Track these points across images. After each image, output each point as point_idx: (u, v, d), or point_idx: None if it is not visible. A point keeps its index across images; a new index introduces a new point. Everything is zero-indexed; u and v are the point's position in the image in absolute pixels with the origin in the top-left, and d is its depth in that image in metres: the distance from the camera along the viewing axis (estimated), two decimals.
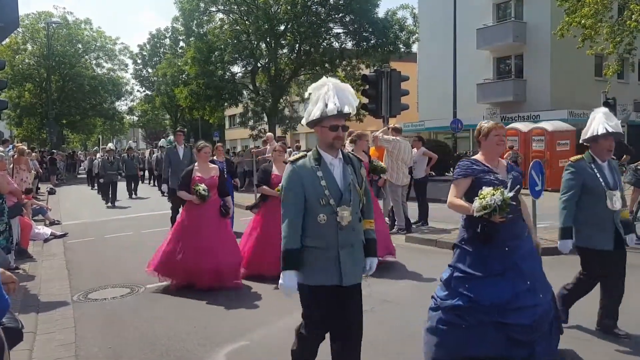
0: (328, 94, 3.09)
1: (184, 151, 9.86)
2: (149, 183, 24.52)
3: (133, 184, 18.51)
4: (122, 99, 48.63)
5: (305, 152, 3.44)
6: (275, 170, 6.88)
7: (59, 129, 40.31)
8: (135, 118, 55.55)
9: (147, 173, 25.40)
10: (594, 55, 19.86)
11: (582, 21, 17.50)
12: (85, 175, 26.06)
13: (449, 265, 3.78)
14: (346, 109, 3.11)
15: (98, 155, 19.66)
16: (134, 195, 18.40)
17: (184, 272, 6.15)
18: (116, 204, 16.12)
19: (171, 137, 19.22)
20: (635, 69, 22.39)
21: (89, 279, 6.95)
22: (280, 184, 3.83)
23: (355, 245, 3.19)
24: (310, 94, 3.21)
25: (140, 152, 27.76)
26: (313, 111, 3.14)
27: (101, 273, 7.26)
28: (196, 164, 6.59)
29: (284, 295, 3.16)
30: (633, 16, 16.92)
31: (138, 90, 51.32)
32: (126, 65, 47.57)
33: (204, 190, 6.13)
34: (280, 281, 3.12)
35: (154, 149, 21.86)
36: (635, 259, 7.15)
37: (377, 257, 3.44)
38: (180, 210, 6.90)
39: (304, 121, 3.25)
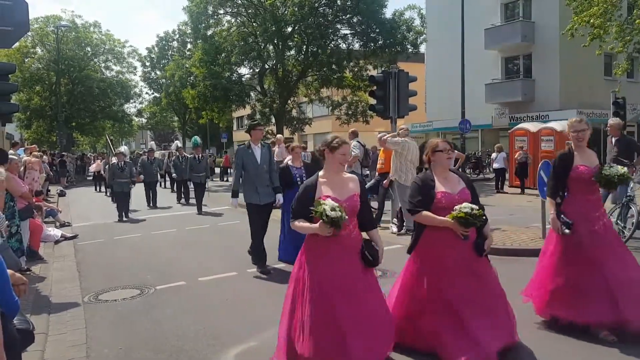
0: None
1: (261, 152, 7.03)
2: (164, 187, 22.84)
3: (151, 193, 15.72)
4: (131, 101, 49.04)
5: None
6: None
7: (68, 132, 40.61)
8: (144, 120, 55.87)
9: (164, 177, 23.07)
10: (603, 54, 19.72)
11: (591, 20, 17.39)
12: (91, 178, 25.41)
13: None
14: None
15: (113, 159, 15.57)
16: (151, 204, 15.66)
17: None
18: (131, 215, 13.52)
19: (177, 142, 18.54)
20: None
21: (100, 280, 6.99)
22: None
23: None
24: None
25: (162, 155, 25.36)
26: None
27: (111, 274, 7.31)
28: (321, 173, 3.94)
29: None
30: None
31: (147, 93, 51.74)
32: (135, 67, 47.94)
33: (334, 209, 3.53)
34: None
35: (172, 151, 19.71)
36: None
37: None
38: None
39: None
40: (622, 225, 7.92)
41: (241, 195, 7.22)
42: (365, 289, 3.77)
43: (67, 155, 29.85)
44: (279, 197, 7.03)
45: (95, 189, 23.14)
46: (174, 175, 17.25)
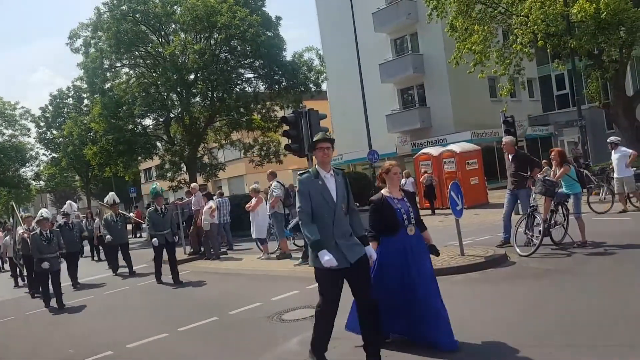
0: None
1: (337, 183, 4.48)
2: (92, 258, 18.84)
3: (72, 268, 12.58)
4: (27, 165, 45.86)
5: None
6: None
7: None
8: (43, 183, 52.43)
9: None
10: (486, 78, 21.55)
11: (473, 47, 19.08)
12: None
13: None
14: None
15: (20, 231, 12.28)
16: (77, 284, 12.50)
17: None
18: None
19: (71, 202, 15.04)
20: (526, 87, 24.42)
21: None
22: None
23: None
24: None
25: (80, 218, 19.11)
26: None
27: (29, 354, 6.74)
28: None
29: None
30: (518, 39, 18.67)
31: (44, 154, 48.62)
32: (28, 129, 45.13)
33: None
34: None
35: (71, 212, 14.21)
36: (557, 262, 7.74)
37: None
38: None
39: None
40: (530, 234, 8.58)
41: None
42: None
43: None
44: (371, 253, 4.56)
45: (1, 268, 19.95)
46: (107, 238, 13.27)
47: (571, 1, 17.16)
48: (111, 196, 14.41)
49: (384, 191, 5.00)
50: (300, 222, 4.41)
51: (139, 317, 8.15)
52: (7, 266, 17.32)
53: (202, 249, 13.73)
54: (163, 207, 11.46)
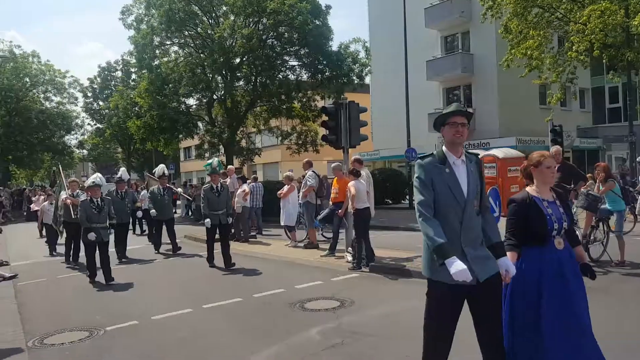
0: None
1: (468, 173, 3.42)
2: (133, 232, 16.59)
3: (120, 240, 11.65)
4: (72, 132, 47.40)
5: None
6: None
7: (4, 165, 38.72)
8: (85, 152, 54.09)
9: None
10: (538, 84, 20.91)
11: (529, 52, 18.51)
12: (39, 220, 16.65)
13: None
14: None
15: (63, 196, 11.19)
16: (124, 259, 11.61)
17: None
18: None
19: (123, 169, 14.45)
20: (577, 97, 23.63)
21: (44, 322, 6.61)
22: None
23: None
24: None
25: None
26: None
27: (57, 316, 6.93)
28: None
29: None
30: (573, 47, 18.03)
31: (89, 124, 50.19)
32: (76, 98, 46.55)
33: None
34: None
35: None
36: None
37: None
38: None
39: None
40: None
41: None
42: None
43: (3, 190, 28.40)
44: (508, 267, 3.30)
45: (40, 234, 17.33)
46: (152, 212, 12.40)
47: (632, 13, 16.43)
48: (161, 168, 13.65)
49: (530, 189, 3.75)
50: (419, 218, 3.23)
51: (168, 291, 8.27)
52: (44, 232, 15.70)
53: (232, 230, 13.86)
54: (219, 185, 10.32)
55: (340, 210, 9.86)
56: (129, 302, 7.60)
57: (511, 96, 26.80)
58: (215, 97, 27.07)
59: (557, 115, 21.90)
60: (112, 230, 9.46)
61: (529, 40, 18.41)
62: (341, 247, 10.40)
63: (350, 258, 9.46)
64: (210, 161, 11.50)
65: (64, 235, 11.55)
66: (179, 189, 18.52)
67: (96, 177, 10.10)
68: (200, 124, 28.94)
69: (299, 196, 12.31)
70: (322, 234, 12.73)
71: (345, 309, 6.37)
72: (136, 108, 31.21)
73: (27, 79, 41.63)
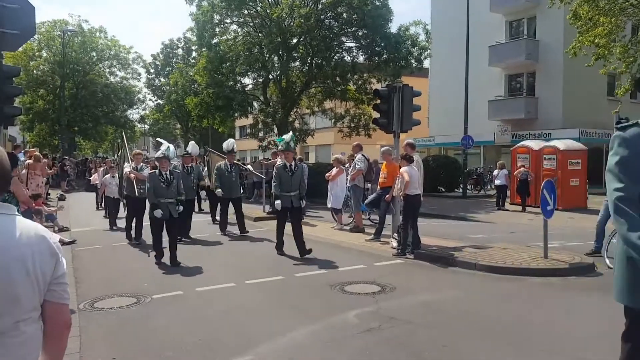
0: None
1: None
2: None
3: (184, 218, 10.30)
4: (134, 107, 49.15)
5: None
6: None
7: (70, 136, 40.64)
8: (147, 127, 55.99)
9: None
10: (606, 74, 19.76)
11: (596, 40, 17.45)
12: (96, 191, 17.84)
13: None
14: None
15: (127, 169, 10.71)
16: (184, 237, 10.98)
17: None
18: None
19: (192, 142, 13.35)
20: None
21: (96, 287, 6.93)
22: None
23: None
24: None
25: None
26: None
27: (108, 282, 7.24)
28: None
29: None
30: None
31: (150, 99, 51.86)
32: (139, 74, 48.10)
33: None
34: None
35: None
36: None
37: None
38: None
39: None
40: None
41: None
42: None
43: (68, 159, 29.86)
44: None
45: (98, 207, 17.38)
46: (218, 191, 11.64)
47: None
48: (231, 143, 12.30)
49: None
50: (614, 211, 2.38)
51: (214, 265, 8.45)
52: (102, 205, 15.44)
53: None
54: (294, 163, 9.20)
55: (387, 195, 9.75)
56: (177, 273, 7.82)
57: (577, 86, 25.51)
58: (270, 77, 27.22)
59: (626, 107, 20.66)
60: (180, 207, 8.62)
61: (598, 28, 17.32)
62: (387, 233, 10.31)
63: (395, 244, 9.35)
64: (283, 136, 10.25)
65: (126, 210, 10.98)
66: (248, 166, 16.65)
67: (167, 147, 8.90)
68: (255, 103, 29.26)
69: (347, 179, 12.26)
70: (369, 218, 12.64)
71: (385, 294, 6.32)
72: (195, 86, 31.92)
73: (94, 54, 43.30)
